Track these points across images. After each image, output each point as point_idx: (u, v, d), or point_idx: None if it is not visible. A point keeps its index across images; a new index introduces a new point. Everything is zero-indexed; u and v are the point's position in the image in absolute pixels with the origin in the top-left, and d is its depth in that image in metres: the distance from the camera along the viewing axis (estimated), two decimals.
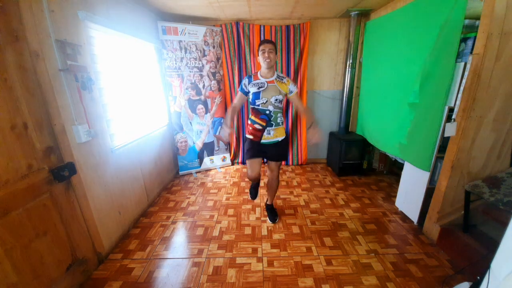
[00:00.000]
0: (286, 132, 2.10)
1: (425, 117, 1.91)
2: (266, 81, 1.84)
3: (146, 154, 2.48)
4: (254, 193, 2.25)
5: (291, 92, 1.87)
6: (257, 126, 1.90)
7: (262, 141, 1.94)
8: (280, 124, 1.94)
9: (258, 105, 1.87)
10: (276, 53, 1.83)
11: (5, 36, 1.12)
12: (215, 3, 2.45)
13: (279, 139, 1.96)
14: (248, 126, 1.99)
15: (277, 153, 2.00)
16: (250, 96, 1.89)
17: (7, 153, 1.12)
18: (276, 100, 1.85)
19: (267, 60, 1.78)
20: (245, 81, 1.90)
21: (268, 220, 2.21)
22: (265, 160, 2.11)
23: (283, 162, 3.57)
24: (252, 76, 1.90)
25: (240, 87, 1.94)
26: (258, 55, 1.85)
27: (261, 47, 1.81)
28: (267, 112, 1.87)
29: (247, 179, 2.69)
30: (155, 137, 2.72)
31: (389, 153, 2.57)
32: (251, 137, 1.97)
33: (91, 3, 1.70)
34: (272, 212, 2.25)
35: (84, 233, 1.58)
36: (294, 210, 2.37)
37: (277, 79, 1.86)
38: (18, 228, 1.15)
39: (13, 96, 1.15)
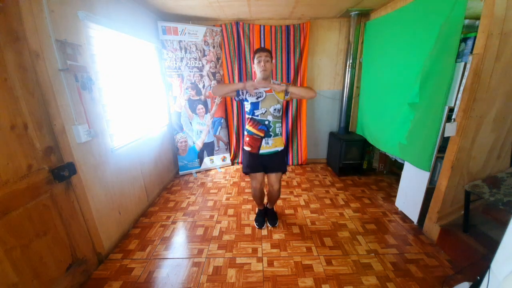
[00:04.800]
0: (285, 143, 1.98)
1: (425, 117, 1.91)
2: (264, 91, 1.77)
3: (146, 154, 2.48)
4: (261, 221, 2.15)
5: (287, 93, 1.78)
6: (255, 136, 1.83)
7: (261, 151, 1.84)
8: (279, 134, 1.87)
9: (257, 115, 1.79)
10: (272, 61, 1.76)
11: (5, 36, 1.12)
12: (215, 3, 2.45)
13: (278, 149, 1.87)
14: (245, 137, 1.91)
15: (276, 164, 1.91)
16: (248, 106, 1.81)
17: (7, 153, 1.12)
18: (275, 110, 1.79)
19: (263, 70, 1.71)
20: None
21: (268, 224, 2.16)
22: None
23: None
24: None
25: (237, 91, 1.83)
26: (254, 63, 1.77)
27: (257, 56, 1.72)
28: (266, 122, 1.79)
29: (251, 197, 2.44)
30: (155, 137, 2.72)
31: (389, 153, 2.57)
32: (249, 148, 1.88)
33: (91, 3, 1.70)
34: (273, 216, 2.19)
35: (84, 233, 1.58)
36: (294, 210, 2.37)
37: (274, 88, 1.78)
38: (18, 228, 1.15)
39: (13, 96, 1.15)
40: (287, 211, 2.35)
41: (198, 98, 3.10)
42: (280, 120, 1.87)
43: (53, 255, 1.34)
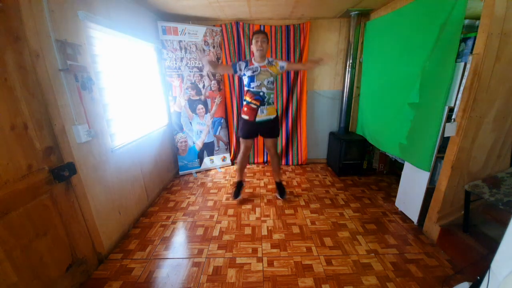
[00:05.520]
0: (277, 111, 2.38)
1: (425, 117, 1.91)
2: (260, 66, 2.14)
3: (146, 154, 2.48)
4: (237, 192, 2.53)
5: (282, 67, 2.18)
6: (252, 105, 2.19)
7: (257, 119, 2.22)
8: (272, 103, 2.26)
9: (253, 87, 2.16)
10: (268, 43, 2.13)
11: (5, 36, 1.12)
12: (215, 3, 2.45)
13: (271, 117, 2.26)
14: (244, 107, 2.26)
15: (270, 130, 2.32)
16: (246, 80, 2.18)
17: (7, 153, 1.12)
18: (269, 82, 2.16)
19: (260, 49, 2.07)
20: (241, 63, 2.20)
21: (278, 196, 2.53)
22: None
23: (283, 162, 3.59)
24: (248, 61, 2.19)
25: (233, 63, 2.22)
26: (252, 44, 2.12)
27: (255, 37, 2.07)
28: (261, 93, 2.16)
29: (237, 160, 2.53)
30: (155, 137, 2.72)
31: (389, 153, 2.57)
32: (246, 117, 2.24)
33: (91, 3, 1.70)
34: (281, 188, 2.54)
35: (84, 233, 1.58)
36: (294, 210, 2.37)
37: (268, 64, 2.17)
38: (18, 228, 1.15)
39: (13, 96, 1.15)
40: (287, 211, 2.35)
41: (198, 98, 3.10)
42: (273, 91, 2.25)
43: (53, 255, 1.34)
